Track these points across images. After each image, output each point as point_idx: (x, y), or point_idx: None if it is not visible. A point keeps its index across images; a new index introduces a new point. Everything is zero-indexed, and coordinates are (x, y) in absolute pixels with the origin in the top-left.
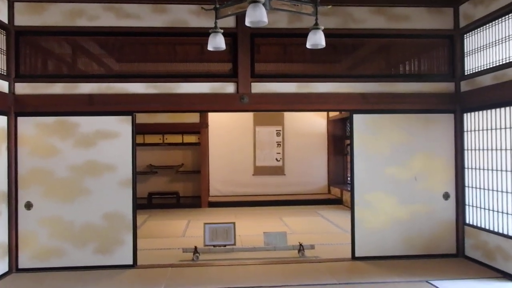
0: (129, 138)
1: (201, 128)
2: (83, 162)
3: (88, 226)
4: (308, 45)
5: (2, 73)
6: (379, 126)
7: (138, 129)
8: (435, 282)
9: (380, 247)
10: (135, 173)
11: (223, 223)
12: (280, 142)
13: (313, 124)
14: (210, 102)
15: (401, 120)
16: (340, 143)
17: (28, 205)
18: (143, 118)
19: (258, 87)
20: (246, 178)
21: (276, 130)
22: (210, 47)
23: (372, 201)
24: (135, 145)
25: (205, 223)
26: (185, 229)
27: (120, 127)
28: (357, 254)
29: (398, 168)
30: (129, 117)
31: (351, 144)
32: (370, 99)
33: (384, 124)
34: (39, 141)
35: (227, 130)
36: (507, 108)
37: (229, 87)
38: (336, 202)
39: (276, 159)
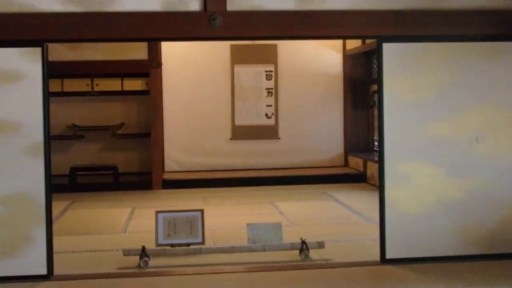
0: (38, 83)
1: (151, 69)
2: None
3: None
4: None
5: None
6: (421, 62)
7: (53, 70)
8: None
9: (423, 244)
10: (49, 136)
11: (185, 211)
12: (271, 89)
13: (322, 61)
14: (163, 25)
15: (454, 51)
16: (362, 89)
17: None
18: (61, 52)
19: (238, 2)
20: (220, 144)
21: (266, 71)
22: None
23: (410, 175)
24: (47, 93)
25: (157, 212)
26: (128, 221)
27: (23, 66)
28: (388, 255)
29: (448, 124)
30: (38, 50)
31: (380, 91)
32: (408, 19)
33: (428, 58)
34: None
35: (190, 71)
36: None
37: (192, 2)
38: (356, 178)
39: (266, 114)
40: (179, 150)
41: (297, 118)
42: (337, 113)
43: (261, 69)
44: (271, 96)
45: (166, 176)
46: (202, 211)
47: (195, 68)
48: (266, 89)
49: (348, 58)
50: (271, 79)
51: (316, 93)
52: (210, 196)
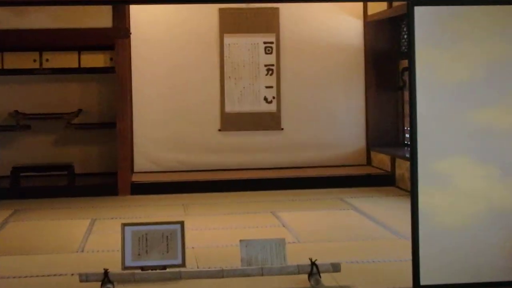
0: None
1: (116, 40)
2: None
3: None
4: None
5: None
6: (465, 30)
7: None
8: None
9: (467, 267)
10: None
11: (160, 224)
12: (271, 66)
13: (337, 29)
14: None
15: (508, 17)
16: (389, 66)
17: None
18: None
19: None
20: (206, 137)
21: (265, 43)
22: None
23: (451, 176)
24: None
25: (124, 225)
26: (86, 237)
27: None
28: (423, 281)
29: (500, 111)
30: None
31: (411, 68)
32: None
33: (474, 25)
34: None
35: (167, 43)
36: None
37: None
38: (382, 181)
39: (265, 98)
40: (153, 144)
41: (304, 103)
42: (356, 96)
43: (259, 40)
44: (271, 74)
45: (136, 178)
46: (182, 223)
47: (173, 39)
48: (265, 65)
49: (371, 26)
50: (271, 53)
51: (330, 71)
52: (193, 204)
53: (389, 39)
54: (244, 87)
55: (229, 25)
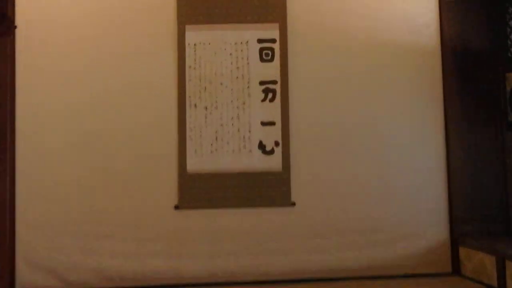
0: None
1: None
2: None
3: None
4: None
5: None
6: None
7: None
8: None
9: None
10: None
11: None
12: (273, 83)
13: (390, 14)
14: None
15: None
16: (487, 82)
17: None
18: None
19: None
20: (152, 221)
21: (260, 41)
22: None
23: None
24: None
25: None
26: None
27: None
28: None
29: None
30: None
31: None
32: None
33: None
34: None
35: (79, 42)
36: None
37: None
38: None
39: (262, 145)
40: (51, 234)
41: (332, 153)
42: (428, 138)
43: (249, 35)
44: (272, 100)
45: None
46: None
47: (90, 34)
48: (261, 83)
49: (453, 8)
50: (271, 60)
51: (377, 92)
52: None
53: (486, 32)
54: (222, 124)
55: (194, 9)
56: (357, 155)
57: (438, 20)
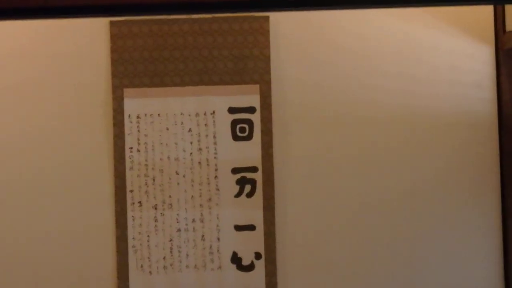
0: None
1: None
2: None
3: None
4: None
5: None
6: None
7: None
8: None
9: None
10: None
11: None
12: (250, 170)
13: (427, 72)
14: None
15: None
16: None
17: None
18: None
19: None
20: None
21: (232, 111)
22: None
23: None
24: None
25: None
26: None
27: None
28: None
29: None
30: None
31: None
32: None
33: None
34: None
35: None
36: None
37: None
38: None
39: (236, 258)
40: None
41: (339, 267)
42: (484, 253)
43: (216, 102)
44: (250, 194)
45: None
46: None
47: None
48: (235, 170)
49: None
50: (247, 136)
51: (409, 179)
52: None
53: None
54: (179, 229)
55: (135, 65)
56: (375, 275)
57: (495, 76)
